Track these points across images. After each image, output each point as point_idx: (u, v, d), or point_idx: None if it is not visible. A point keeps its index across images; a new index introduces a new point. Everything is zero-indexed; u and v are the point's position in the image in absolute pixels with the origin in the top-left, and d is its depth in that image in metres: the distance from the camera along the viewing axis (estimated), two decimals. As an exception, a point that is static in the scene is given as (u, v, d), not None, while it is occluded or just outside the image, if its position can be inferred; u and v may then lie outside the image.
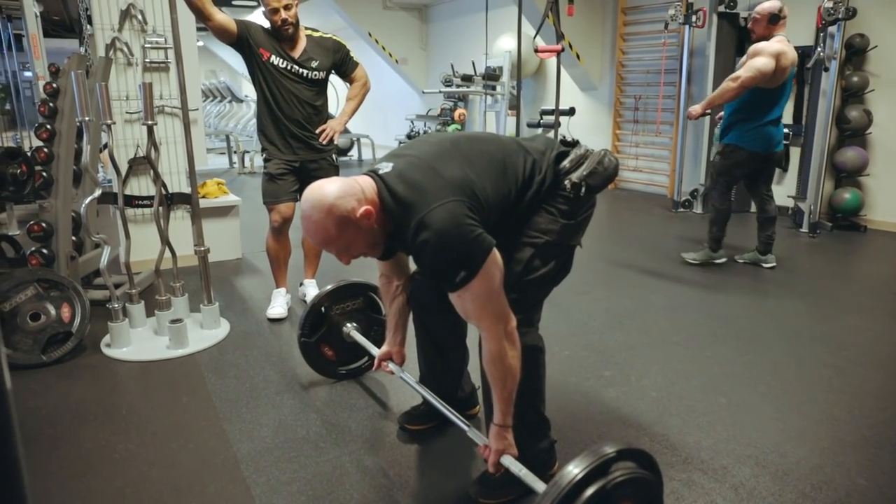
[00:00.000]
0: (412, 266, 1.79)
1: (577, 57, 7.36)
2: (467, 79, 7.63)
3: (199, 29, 3.92)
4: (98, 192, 2.79)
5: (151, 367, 2.63)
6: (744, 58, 3.74)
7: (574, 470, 1.23)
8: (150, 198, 3.02)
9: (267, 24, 2.94)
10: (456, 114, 8.07)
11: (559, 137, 2.06)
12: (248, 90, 12.30)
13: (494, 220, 1.53)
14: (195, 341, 2.81)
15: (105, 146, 3.28)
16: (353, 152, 10.52)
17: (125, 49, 3.61)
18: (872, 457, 1.95)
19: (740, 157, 3.84)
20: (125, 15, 3.58)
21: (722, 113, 4.02)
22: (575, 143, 1.73)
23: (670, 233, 5.23)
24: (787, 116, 5.70)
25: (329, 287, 2.37)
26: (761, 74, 3.56)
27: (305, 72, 2.98)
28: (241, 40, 2.88)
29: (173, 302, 2.97)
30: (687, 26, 6.01)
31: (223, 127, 10.77)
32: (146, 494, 1.77)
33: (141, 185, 3.73)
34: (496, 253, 1.45)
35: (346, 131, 6.07)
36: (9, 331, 2.55)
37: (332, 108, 3.35)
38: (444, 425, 2.07)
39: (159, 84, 3.74)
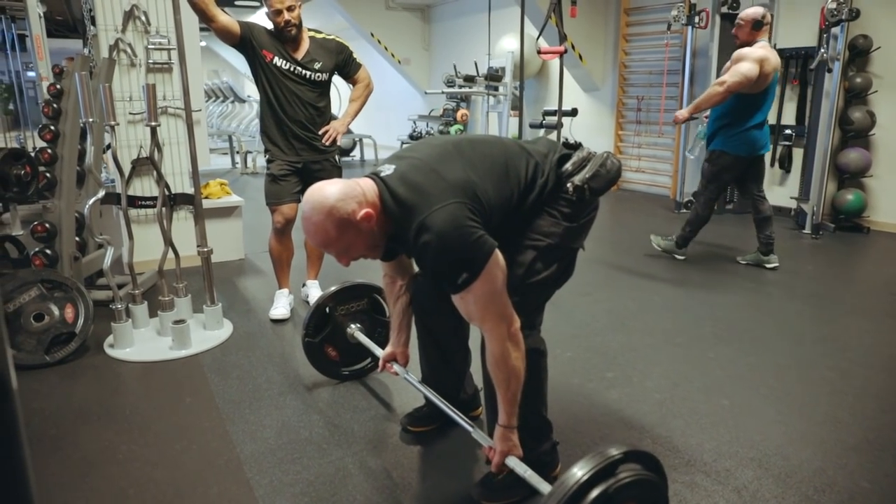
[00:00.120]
0: (415, 266, 1.79)
1: (580, 58, 7.36)
2: (470, 79, 7.62)
3: (201, 29, 3.92)
4: (102, 193, 2.80)
5: (154, 368, 2.64)
6: (728, 63, 3.84)
7: (580, 471, 1.24)
8: (154, 198, 3.02)
9: (270, 26, 2.94)
10: (458, 114, 8.07)
11: (561, 139, 2.06)
12: (250, 90, 12.29)
13: (496, 222, 1.53)
14: (198, 342, 2.82)
15: (108, 147, 3.28)
16: (356, 153, 10.53)
17: (128, 50, 3.62)
18: (876, 459, 1.95)
19: (726, 162, 3.94)
20: (129, 16, 3.59)
21: (708, 113, 4.13)
22: (577, 146, 1.73)
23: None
24: (790, 117, 5.71)
25: (334, 288, 2.37)
26: (747, 79, 3.65)
27: (308, 73, 2.98)
28: (245, 42, 2.89)
29: (176, 303, 2.97)
30: (690, 27, 6.01)
31: (225, 127, 10.77)
32: (149, 495, 1.78)
33: (144, 186, 3.74)
34: (498, 254, 1.46)
35: (348, 132, 6.08)
36: (13, 331, 2.56)
37: (334, 110, 3.34)
38: (446, 427, 2.07)
39: (162, 85, 3.74)
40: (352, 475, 1.87)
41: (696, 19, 5.94)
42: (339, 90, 4.64)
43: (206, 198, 4.15)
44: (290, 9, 2.86)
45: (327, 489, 1.80)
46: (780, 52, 5.64)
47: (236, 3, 10.63)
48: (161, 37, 3.67)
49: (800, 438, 2.07)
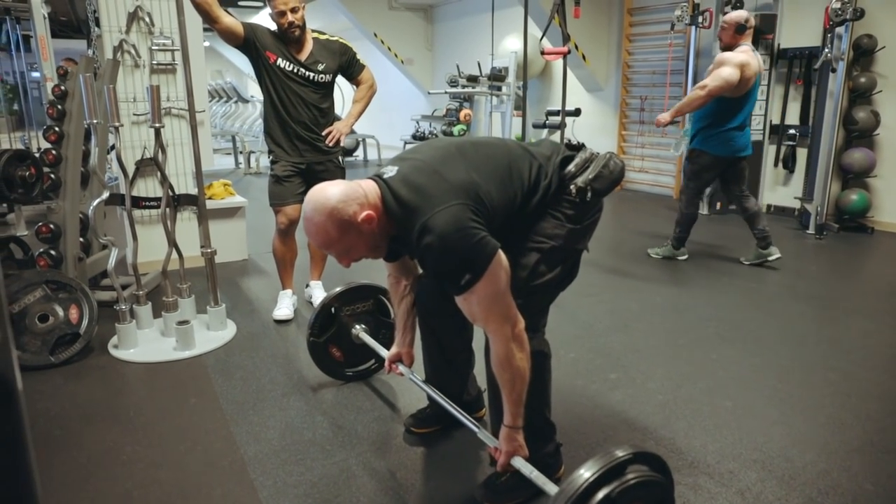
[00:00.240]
0: (419, 267, 1.80)
1: (583, 58, 7.35)
2: (473, 79, 7.62)
3: (205, 29, 3.93)
4: (106, 194, 2.81)
5: (158, 369, 2.65)
6: (710, 66, 3.87)
7: (588, 472, 1.24)
8: (158, 199, 3.03)
9: (274, 27, 2.94)
10: (461, 114, 8.07)
11: (564, 139, 2.06)
12: (253, 90, 12.31)
13: (499, 224, 1.53)
14: (202, 343, 2.83)
15: (112, 148, 3.29)
16: (359, 153, 10.53)
17: (133, 51, 3.63)
18: (879, 461, 1.94)
19: (705, 161, 4.00)
20: (133, 17, 3.60)
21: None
22: (580, 147, 1.72)
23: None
24: (794, 117, 5.70)
25: (340, 288, 2.38)
26: (727, 84, 3.69)
27: (312, 74, 2.99)
28: (248, 43, 2.89)
29: (180, 303, 2.98)
30: (693, 27, 6.00)
31: (229, 127, 10.78)
32: (153, 496, 1.78)
33: (148, 187, 3.75)
34: (501, 255, 1.45)
35: (351, 132, 6.08)
36: (17, 332, 2.56)
37: (338, 110, 3.35)
38: (450, 428, 2.08)
39: (166, 86, 3.75)
40: (356, 476, 1.87)
41: (700, 19, 5.93)
42: (343, 91, 4.64)
43: (210, 198, 4.16)
44: (293, 10, 2.86)
45: (331, 490, 1.80)
46: (784, 51, 5.65)
47: (240, 3, 10.63)
48: (165, 38, 3.68)
49: (803, 440, 2.06)
